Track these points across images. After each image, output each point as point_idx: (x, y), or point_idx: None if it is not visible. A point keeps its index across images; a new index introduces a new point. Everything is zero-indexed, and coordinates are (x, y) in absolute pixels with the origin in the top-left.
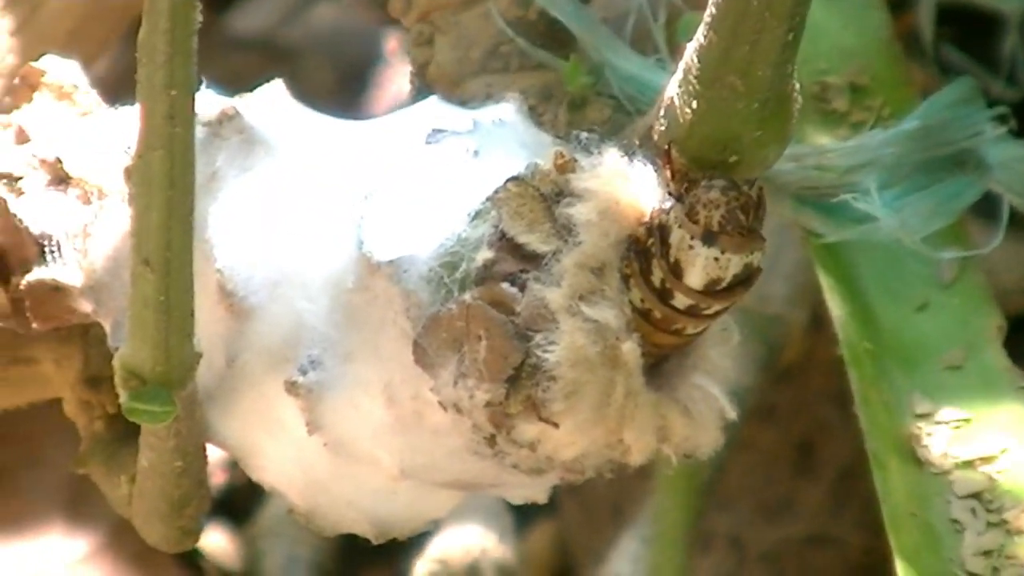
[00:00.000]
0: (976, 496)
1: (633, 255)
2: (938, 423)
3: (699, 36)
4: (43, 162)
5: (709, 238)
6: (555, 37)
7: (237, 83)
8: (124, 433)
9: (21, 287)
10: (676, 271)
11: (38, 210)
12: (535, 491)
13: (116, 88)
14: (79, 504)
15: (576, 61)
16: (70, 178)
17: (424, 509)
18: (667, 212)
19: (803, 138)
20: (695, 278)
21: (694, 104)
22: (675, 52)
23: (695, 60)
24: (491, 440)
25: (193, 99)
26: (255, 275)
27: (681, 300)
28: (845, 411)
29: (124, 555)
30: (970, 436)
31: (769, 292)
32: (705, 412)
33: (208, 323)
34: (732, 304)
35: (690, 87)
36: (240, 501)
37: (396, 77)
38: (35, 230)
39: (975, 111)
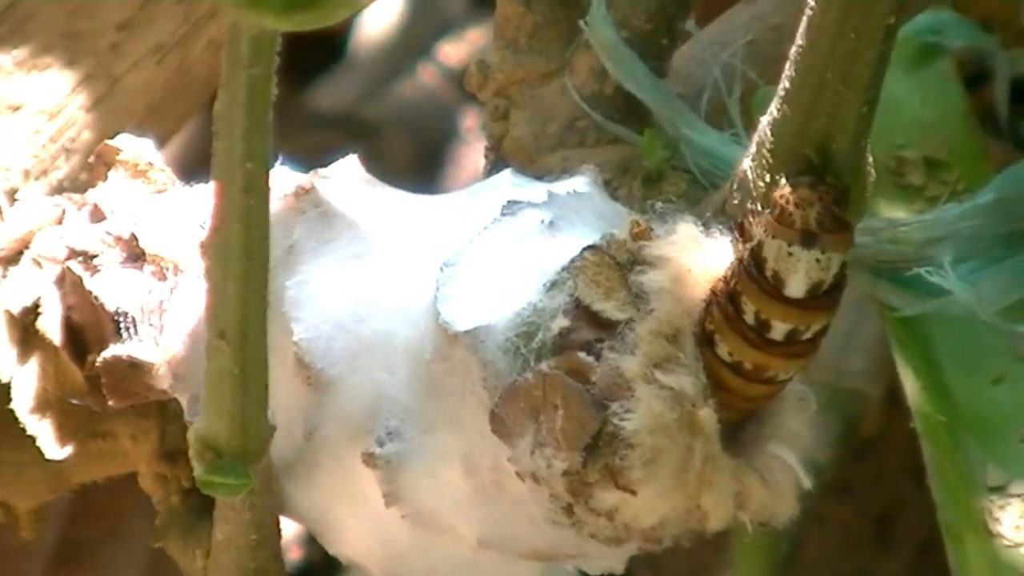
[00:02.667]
0: None
1: (715, 307)
2: (1011, 495)
3: (773, 110)
4: (118, 239)
5: (809, 240)
6: (631, 112)
7: (318, 159)
8: (200, 507)
9: (97, 364)
10: (777, 285)
11: (113, 287)
12: (613, 561)
13: (192, 165)
14: None
15: (652, 135)
16: (145, 254)
17: None
18: (752, 230)
19: (879, 212)
20: (797, 286)
21: (768, 177)
22: (750, 126)
23: (768, 134)
24: (569, 509)
25: (268, 172)
26: (333, 347)
27: (779, 328)
28: (922, 486)
29: None
30: None
31: (846, 366)
32: (782, 480)
33: (286, 396)
34: (828, 322)
35: (764, 160)
36: None
37: (473, 154)
38: (110, 307)
39: None
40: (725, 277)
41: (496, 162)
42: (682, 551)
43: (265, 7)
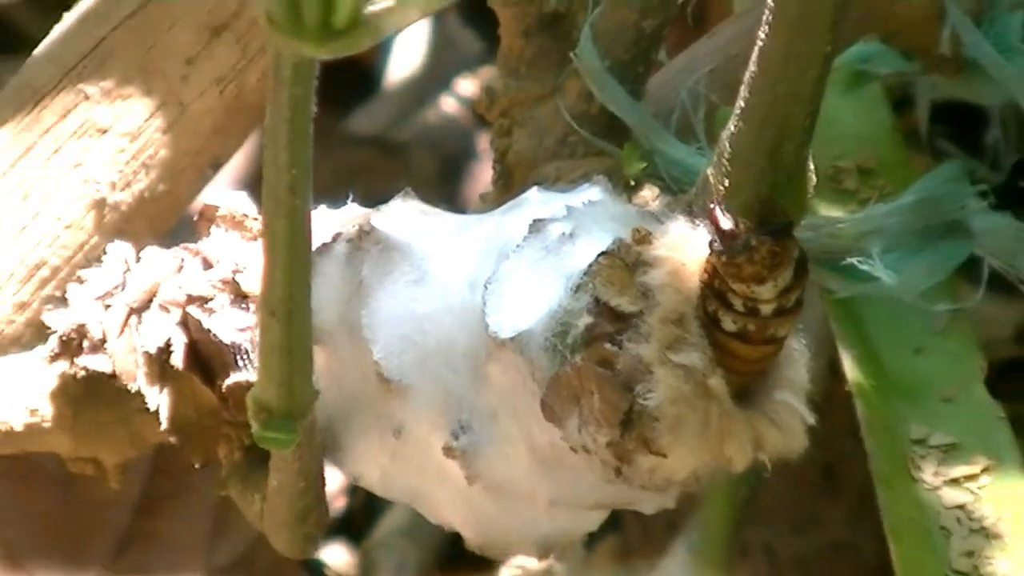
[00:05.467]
0: (961, 507)
1: (711, 296)
2: (931, 447)
3: (731, 125)
4: (225, 282)
5: (761, 280)
6: (614, 128)
7: (355, 175)
8: (257, 460)
9: (223, 390)
10: (752, 307)
11: (226, 325)
12: (665, 500)
13: (252, 176)
14: (221, 524)
15: (631, 149)
16: (247, 295)
17: (577, 527)
18: (718, 273)
19: (819, 212)
20: (767, 295)
21: (726, 182)
22: (712, 141)
23: (727, 145)
24: (618, 471)
25: (310, 177)
26: (405, 359)
27: (766, 309)
28: (860, 442)
29: (260, 567)
30: (957, 458)
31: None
32: (789, 420)
33: (373, 402)
34: (803, 289)
35: (723, 167)
36: (357, 521)
37: (487, 170)
38: (226, 341)
39: (962, 188)
40: (710, 273)
41: (502, 172)
42: None
43: (303, 38)
